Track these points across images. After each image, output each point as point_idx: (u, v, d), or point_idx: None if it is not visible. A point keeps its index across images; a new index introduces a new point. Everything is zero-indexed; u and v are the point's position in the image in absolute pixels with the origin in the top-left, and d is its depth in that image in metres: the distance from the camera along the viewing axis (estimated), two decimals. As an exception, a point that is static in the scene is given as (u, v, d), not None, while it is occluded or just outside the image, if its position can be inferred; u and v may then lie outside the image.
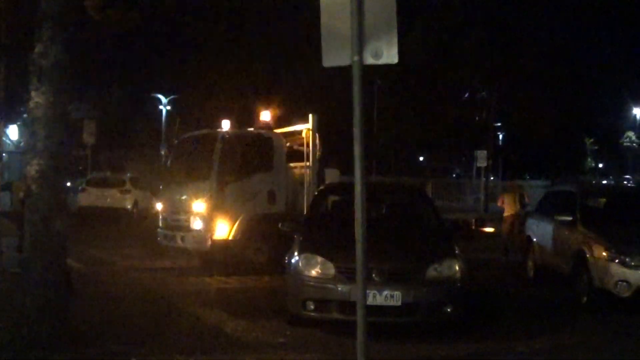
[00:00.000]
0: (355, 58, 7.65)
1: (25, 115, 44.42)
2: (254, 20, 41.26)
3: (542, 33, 51.71)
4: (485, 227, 32.06)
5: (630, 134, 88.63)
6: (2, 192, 33.51)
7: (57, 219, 9.87)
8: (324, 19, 7.87)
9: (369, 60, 7.72)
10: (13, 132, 57.33)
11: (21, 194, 21.48)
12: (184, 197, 19.42)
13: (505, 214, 23.13)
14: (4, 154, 21.40)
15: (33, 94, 9.84)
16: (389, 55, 7.75)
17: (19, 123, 54.35)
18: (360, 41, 7.61)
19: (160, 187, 22.40)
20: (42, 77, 9.78)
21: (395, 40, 7.73)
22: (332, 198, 15.82)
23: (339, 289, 11.42)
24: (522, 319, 13.78)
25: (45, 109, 9.77)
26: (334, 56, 7.85)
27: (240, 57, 45.49)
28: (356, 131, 7.60)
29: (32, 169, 9.79)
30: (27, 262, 9.90)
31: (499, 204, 24.14)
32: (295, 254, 12.26)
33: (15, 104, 31.82)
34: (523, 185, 34.49)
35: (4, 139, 24.45)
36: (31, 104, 9.88)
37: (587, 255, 14.54)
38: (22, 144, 55.60)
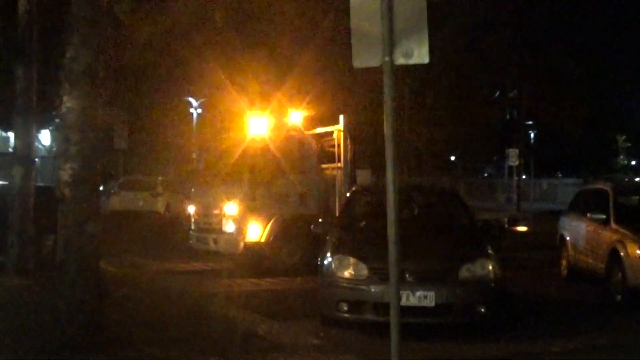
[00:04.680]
0: (386, 59, 7.62)
1: (57, 120, 44.68)
2: (284, 22, 41.25)
3: (573, 30, 51.43)
4: (518, 226, 31.85)
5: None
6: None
7: (90, 222, 9.90)
8: (354, 20, 7.85)
9: (400, 60, 7.69)
10: (45, 137, 57.64)
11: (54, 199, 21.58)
12: (215, 200, 19.46)
13: None
14: (36, 159, 21.54)
15: (65, 98, 9.87)
16: (420, 55, 7.72)
17: (51, 128, 54.61)
18: (390, 42, 7.58)
19: (192, 190, 22.46)
20: (73, 82, 9.81)
21: (425, 39, 7.70)
22: (364, 199, 15.79)
23: (372, 290, 11.39)
24: (556, 318, 13.68)
25: (77, 113, 9.80)
26: (365, 57, 7.83)
27: (270, 60, 45.51)
28: (388, 131, 7.58)
29: (65, 173, 9.83)
30: (61, 265, 9.94)
31: None
32: (328, 255, 12.24)
33: (47, 109, 31.97)
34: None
35: (36, 144, 24.60)
36: (63, 109, 9.91)
37: (621, 254, 14.43)
38: (54, 148, 55.91)
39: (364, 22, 7.75)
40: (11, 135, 35.77)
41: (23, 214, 16.99)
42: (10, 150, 29.06)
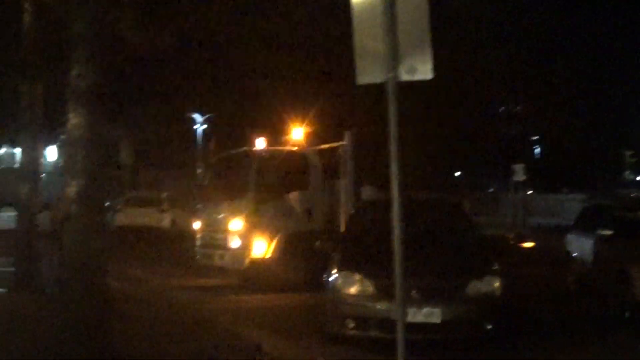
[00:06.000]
0: (390, 75, 7.63)
1: (63, 137, 44.95)
2: (287, 38, 41.32)
3: (579, 45, 51.38)
4: (524, 241, 31.77)
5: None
6: (42, 212, 33.75)
7: (96, 238, 9.91)
8: (357, 37, 7.85)
9: (404, 76, 7.69)
10: (51, 153, 57.84)
11: (60, 214, 21.64)
12: (221, 216, 19.48)
13: None
14: (43, 175, 21.61)
15: (71, 115, 9.90)
16: (424, 70, 7.72)
17: (57, 144, 54.82)
18: (394, 58, 7.59)
19: (198, 205, 22.48)
20: (79, 99, 9.84)
21: (429, 55, 7.70)
22: (369, 215, 15.75)
23: (378, 306, 11.37)
24: (564, 334, 13.63)
25: (83, 130, 9.82)
26: (368, 73, 7.83)
27: (273, 76, 45.58)
28: (392, 148, 7.58)
29: (72, 189, 9.85)
30: (67, 282, 9.94)
31: None
32: (334, 271, 12.23)
33: (53, 125, 32.11)
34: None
35: (42, 160, 24.67)
36: (69, 126, 9.94)
37: (629, 270, 14.39)
38: (60, 164, 56.08)
39: (367, 38, 7.75)
40: (18, 151, 35.86)
41: (30, 229, 17.02)
42: (17, 165, 29.18)
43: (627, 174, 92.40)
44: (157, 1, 17.30)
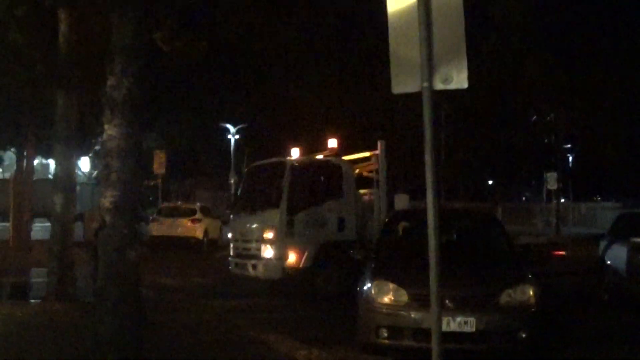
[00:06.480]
0: (425, 84, 7.61)
1: (96, 147, 45.27)
2: (321, 48, 41.45)
3: (612, 52, 51.01)
4: (558, 250, 31.60)
5: None
6: (75, 222, 34.01)
7: (130, 249, 9.95)
8: (392, 45, 7.85)
9: (439, 85, 7.67)
10: (85, 163, 58.22)
11: (94, 225, 21.77)
12: (254, 226, 19.52)
13: None
14: (77, 186, 21.77)
15: (106, 126, 9.96)
16: (459, 80, 7.70)
17: (90, 155, 55.18)
18: (429, 67, 7.57)
19: (231, 216, 22.53)
20: (114, 110, 9.90)
21: (464, 64, 7.68)
22: (403, 224, 15.73)
23: (412, 315, 11.34)
24: (598, 344, 13.56)
25: (118, 141, 9.87)
26: (404, 83, 7.82)
27: (307, 85, 45.71)
28: (427, 157, 7.57)
29: (106, 200, 9.90)
30: (102, 292, 9.99)
31: None
32: (367, 280, 12.21)
33: (87, 136, 32.33)
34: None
35: (76, 170, 24.88)
36: (104, 137, 10.00)
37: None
38: (94, 175, 56.48)
39: (403, 47, 7.75)
40: (51, 162, 36.12)
41: (64, 239, 17.12)
42: (50, 177, 29.39)
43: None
44: (192, 11, 17.38)
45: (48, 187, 22.40)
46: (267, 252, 18.87)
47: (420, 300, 11.05)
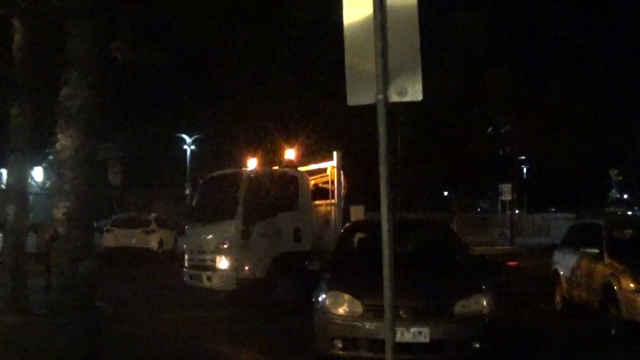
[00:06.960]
0: (380, 96, 7.64)
1: (50, 157, 44.89)
2: (279, 60, 41.42)
3: (567, 66, 51.61)
4: (512, 261, 31.86)
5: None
6: (28, 233, 33.64)
7: (85, 260, 9.89)
8: (348, 57, 7.88)
9: (394, 98, 7.70)
10: (38, 173, 57.62)
11: (47, 236, 21.57)
12: (209, 237, 19.43)
13: None
14: (30, 196, 21.48)
15: (60, 136, 9.89)
16: (414, 92, 7.73)
17: (44, 165, 54.67)
18: (385, 80, 7.61)
19: (186, 226, 22.42)
20: (69, 120, 9.83)
21: (419, 77, 7.72)
22: (359, 235, 15.78)
23: (367, 326, 11.35)
24: (552, 353, 13.67)
25: (72, 151, 9.81)
26: (359, 95, 7.84)
27: (264, 96, 45.70)
28: (382, 169, 7.59)
29: (59, 211, 9.82)
30: (56, 304, 9.91)
31: None
32: (322, 291, 12.20)
33: (40, 145, 32.07)
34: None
35: (29, 180, 24.54)
36: (58, 146, 9.92)
37: (615, 288, 14.44)
38: (47, 185, 55.93)
39: (358, 59, 7.78)
40: (4, 171, 35.76)
41: (16, 250, 16.95)
42: (3, 187, 29.06)
43: (613, 193, 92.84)
44: (150, 22, 17.31)
45: (0, 197, 22.15)
46: (222, 263, 18.77)
47: (374, 311, 11.06)
